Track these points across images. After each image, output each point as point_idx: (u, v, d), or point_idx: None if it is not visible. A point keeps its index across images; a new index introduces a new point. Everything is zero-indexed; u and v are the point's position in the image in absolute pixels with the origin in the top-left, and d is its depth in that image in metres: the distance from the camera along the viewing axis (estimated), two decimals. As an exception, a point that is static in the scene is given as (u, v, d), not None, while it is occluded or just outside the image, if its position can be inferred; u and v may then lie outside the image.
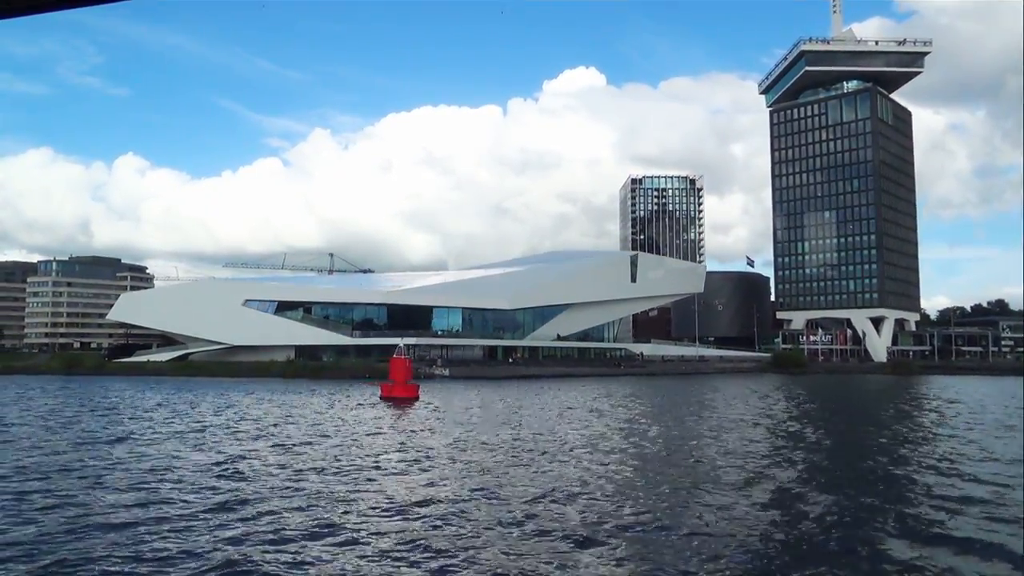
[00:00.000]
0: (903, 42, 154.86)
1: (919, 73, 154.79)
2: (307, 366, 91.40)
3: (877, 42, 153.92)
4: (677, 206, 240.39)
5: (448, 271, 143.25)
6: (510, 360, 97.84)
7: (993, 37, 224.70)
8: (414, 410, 40.39)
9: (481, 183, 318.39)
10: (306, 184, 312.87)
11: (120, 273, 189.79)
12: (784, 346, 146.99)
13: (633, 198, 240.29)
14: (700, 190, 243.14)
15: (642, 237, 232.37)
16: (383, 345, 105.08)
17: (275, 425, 32.60)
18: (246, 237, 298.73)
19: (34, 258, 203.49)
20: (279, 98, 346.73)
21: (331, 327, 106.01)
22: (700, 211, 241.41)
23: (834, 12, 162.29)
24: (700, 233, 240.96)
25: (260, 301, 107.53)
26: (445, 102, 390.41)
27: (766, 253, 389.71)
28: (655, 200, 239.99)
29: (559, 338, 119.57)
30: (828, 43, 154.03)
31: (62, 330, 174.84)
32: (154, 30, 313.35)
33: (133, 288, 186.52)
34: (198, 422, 34.03)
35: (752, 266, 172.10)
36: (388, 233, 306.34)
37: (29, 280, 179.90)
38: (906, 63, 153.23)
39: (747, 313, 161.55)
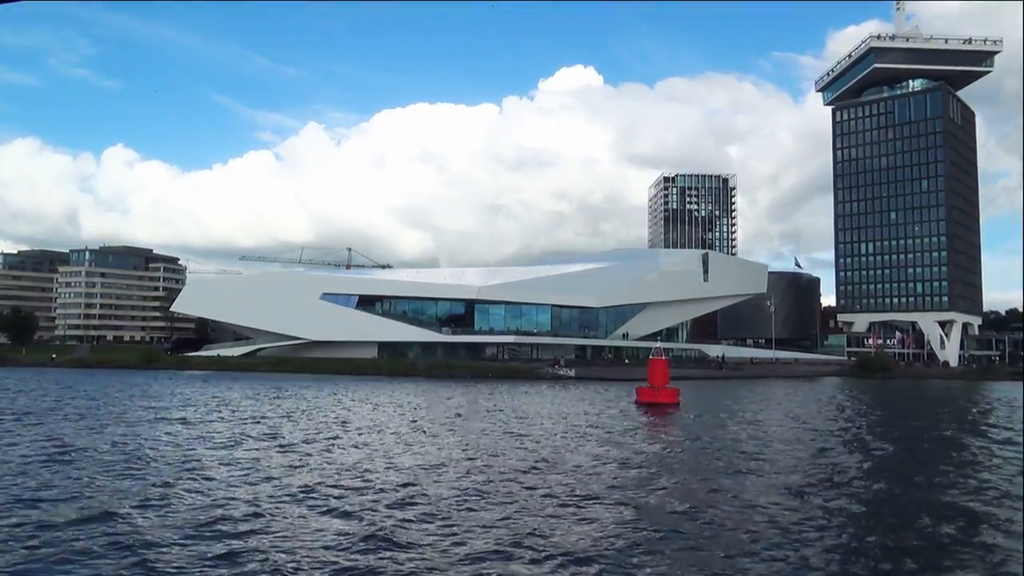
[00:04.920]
0: (969, 40, 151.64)
1: (988, 72, 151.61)
2: (416, 365, 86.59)
3: (946, 40, 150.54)
4: (709, 205, 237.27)
5: (513, 268, 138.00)
6: (625, 360, 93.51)
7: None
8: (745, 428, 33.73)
9: (475, 180, 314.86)
10: (298, 179, 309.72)
11: (153, 264, 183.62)
12: (848, 349, 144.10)
13: (665, 196, 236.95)
14: (733, 189, 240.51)
15: (673, 236, 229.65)
16: (471, 343, 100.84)
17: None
18: (236, 231, 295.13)
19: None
20: (272, 93, 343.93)
21: (416, 323, 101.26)
22: (733, 210, 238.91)
23: (898, 10, 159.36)
24: (732, 233, 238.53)
25: (340, 295, 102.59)
26: (441, 100, 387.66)
27: (757, 255, 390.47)
28: (686, 199, 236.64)
29: (625, 338, 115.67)
30: (895, 40, 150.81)
31: (95, 322, 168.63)
32: (148, 23, 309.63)
33: (167, 279, 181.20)
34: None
35: (800, 267, 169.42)
36: (380, 229, 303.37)
37: (61, 270, 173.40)
38: (974, 62, 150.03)
39: (798, 314, 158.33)
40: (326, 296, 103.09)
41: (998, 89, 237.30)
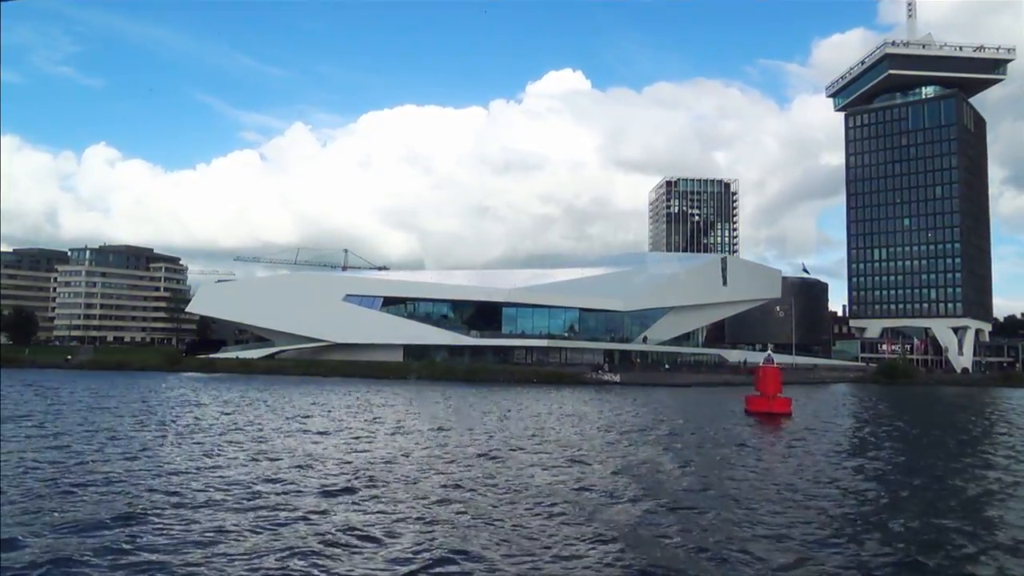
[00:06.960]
0: (981, 48, 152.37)
1: (1000, 80, 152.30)
2: (454, 368, 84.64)
3: (960, 47, 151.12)
4: (710, 210, 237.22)
5: (522, 270, 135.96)
6: (665, 366, 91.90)
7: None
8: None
9: (462, 183, 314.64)
10: (283, 179, 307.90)
11: (154, 264, 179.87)
12: (862, 355, 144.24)
13: (667, 200, 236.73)
14: (735, 194, 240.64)
15: (674, 240, 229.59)
16: (499, 346, 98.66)
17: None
18: (219, 231, 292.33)
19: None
20: (257, 93, 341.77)
21: (443, 325, 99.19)
22: (735, 215, 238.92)
23: (909, 16, 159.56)
24: (734, 238, 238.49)
25: (363, 296, 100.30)
26: (428, 102, 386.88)
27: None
28: (688, 203, 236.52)
29: (644, 342, 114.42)
30: (909, 46, 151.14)
31: (95, 323, 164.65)
32: (133, 22, 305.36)
33: (168, 279, 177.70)
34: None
35: (808, 273, 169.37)
36: (365, 230, 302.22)
37: (60, 269, 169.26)
38: (987, 69, 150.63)
39: (807, 319, 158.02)
40: (349, 297, 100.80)
41: (983, 98, 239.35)
